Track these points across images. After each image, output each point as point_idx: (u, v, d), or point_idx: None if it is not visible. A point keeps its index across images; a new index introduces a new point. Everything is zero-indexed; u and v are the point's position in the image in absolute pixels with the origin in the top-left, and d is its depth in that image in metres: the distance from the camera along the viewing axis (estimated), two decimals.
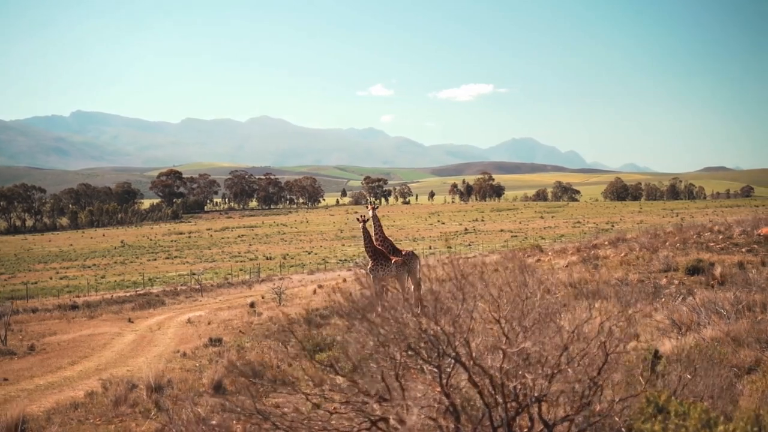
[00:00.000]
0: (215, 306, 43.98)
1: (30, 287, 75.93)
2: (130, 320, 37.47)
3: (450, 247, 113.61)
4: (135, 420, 11.74)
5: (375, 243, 25.67)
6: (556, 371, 5.18)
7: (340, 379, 5.85)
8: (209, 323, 31.45)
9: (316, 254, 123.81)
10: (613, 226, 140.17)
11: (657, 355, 8.68)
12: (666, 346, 11.11)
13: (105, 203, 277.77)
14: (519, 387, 5.17)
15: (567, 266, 33.41)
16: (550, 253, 43.13)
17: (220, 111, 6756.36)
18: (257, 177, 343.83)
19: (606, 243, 41.99)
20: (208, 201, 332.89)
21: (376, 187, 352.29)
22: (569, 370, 5.24)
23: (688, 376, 6.02)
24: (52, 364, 22.06)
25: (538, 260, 40.09)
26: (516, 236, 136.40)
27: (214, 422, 8.76)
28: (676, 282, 22.16)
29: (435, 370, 5.45)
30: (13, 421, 10.65)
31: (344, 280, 54.82)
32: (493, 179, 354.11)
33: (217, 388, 13.27)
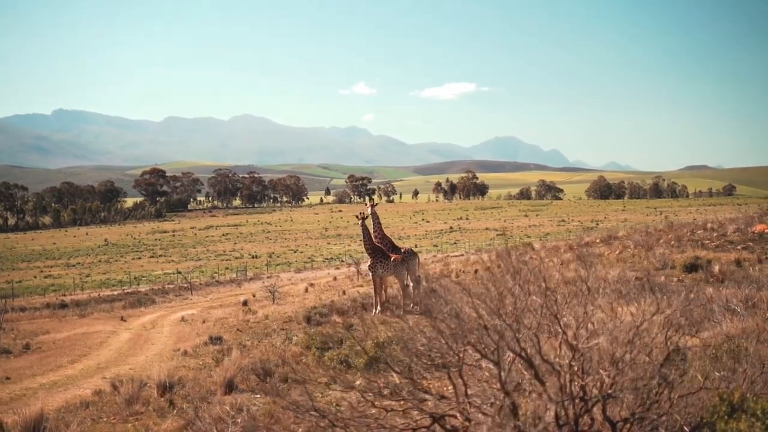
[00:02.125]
0: (207, 304, 43.75)
1: (15, 286, 75.27)
2: (122, 319, 37.18)
3: (436, 246, 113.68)
4: (151, 418, 11.58)
5: (374, 240, 25.59)
6: (625, 367, 5.08)
7: (394, 376, 5.74)
8: (204, 321, 31.24)
9: (302, 253, 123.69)
10: (597, 224, 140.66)
11: (678, 350, 8.61)
12: (684, 342, 11.05)
13: (88, 202, 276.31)
14: (587, 384, 5.07)
15: (561, 264, 33.41)
16: (542, 251, 43.09)
17: (202, 109, 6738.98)
18: (241, 176, 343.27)
19: (598, 241, 42.09)
20: (192, 200, 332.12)
21: (360, 186, 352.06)
22: (635, 366, 5.14)
23: (758, 373, 5.90)
24: (52, 362, 21.81)
25: (531, 258, 40.06)
26: (501, 235, 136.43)
27: (244, 415, 8.65)
28: (675, 279, 22.17)
29: (493, 366, 5.35)
30: (33, 418, 10.48)
31: (335, 279, 54.70)
32: (477, 178, 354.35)
33: (230, 387, 13.13)
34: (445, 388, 5.57)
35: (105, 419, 12.01)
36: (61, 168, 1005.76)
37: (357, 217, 26.02)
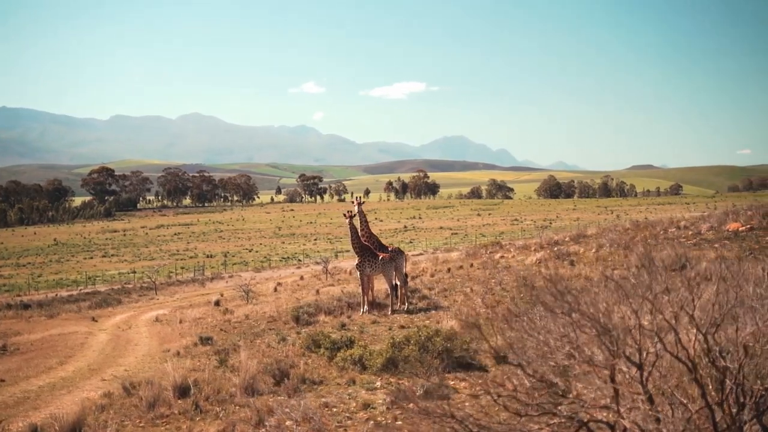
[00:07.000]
0: (176, 304, 43.03)
1: None
2: (94, 319, 36.41)
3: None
4: (181, 421, 11.20)
5: (362, 239, 25.36)
6: None
7: (523, 378, 5.47)
8: (181, 322, 30.55)
9: (257, 252, 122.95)
10: (551, 223, 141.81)
11: None
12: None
13: (35, 201, 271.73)
14: (757, 389, 4.84)
15: (539, 262, 33.36)
16: (512, 250, 43.08)
17: (149, 108, 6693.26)
18: (191, 175, 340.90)
19: (568, 239, 42.20)
20: (141, 199, 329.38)
21: (312, 185, 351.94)
22: None
23: None
24: (40, 364, 21.13)
25: (502, 256, 40.04)
26: (456, 233, 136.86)
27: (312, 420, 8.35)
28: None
29: (630, 368, 5.11)
30: (71, 423, 10.05)
31: (301, 278, 54.30)
32: (428, 177, 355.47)
33: (248, 389, 12.79)
34: (575, 391, 5.30)
35: (129, 423, 11.58)
36: (5, 167, 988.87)
37: (344, 215, 25.76)
